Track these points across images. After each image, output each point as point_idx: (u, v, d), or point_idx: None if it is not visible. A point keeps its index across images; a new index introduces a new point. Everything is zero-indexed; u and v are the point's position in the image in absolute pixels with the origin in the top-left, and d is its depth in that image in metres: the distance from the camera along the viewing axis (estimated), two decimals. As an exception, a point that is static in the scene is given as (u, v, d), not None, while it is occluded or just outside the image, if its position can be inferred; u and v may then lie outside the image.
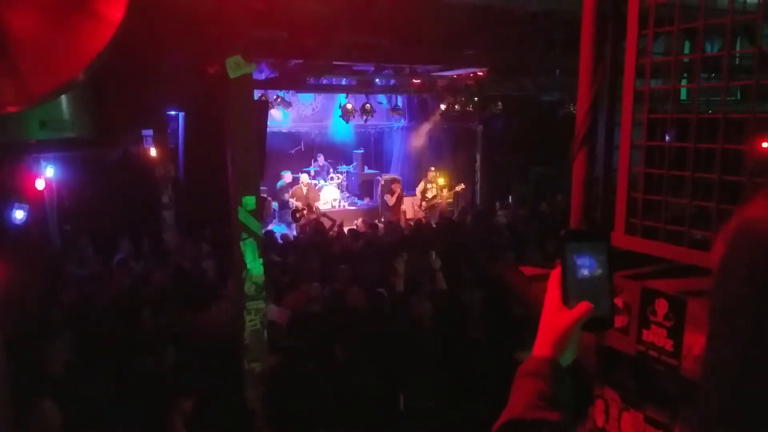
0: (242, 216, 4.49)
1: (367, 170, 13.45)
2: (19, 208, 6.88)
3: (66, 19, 1.81)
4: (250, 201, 4.50)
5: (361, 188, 13.28)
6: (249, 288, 4.56)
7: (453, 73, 10.09)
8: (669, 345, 1.21)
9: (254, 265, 4.57)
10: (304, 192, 10.76)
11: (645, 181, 1.41)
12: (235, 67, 4.18)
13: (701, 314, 1.17)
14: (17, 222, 6.89)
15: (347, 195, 12.81)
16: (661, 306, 1.22)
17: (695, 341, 1.16)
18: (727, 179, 1.21)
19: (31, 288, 5.71)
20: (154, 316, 5.35)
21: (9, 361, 3.33)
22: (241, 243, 4.51)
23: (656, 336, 1.23)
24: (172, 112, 9.58)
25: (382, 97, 12.08)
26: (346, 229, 9.35)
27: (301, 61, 7.32)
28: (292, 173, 11.89)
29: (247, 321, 4.56)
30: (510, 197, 12.41)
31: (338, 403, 4.23)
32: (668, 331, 1.21)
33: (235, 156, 4.47)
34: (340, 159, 13.32)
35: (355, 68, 9.01)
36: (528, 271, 2.03)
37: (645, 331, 1.26)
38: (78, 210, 8.56)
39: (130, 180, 8.69)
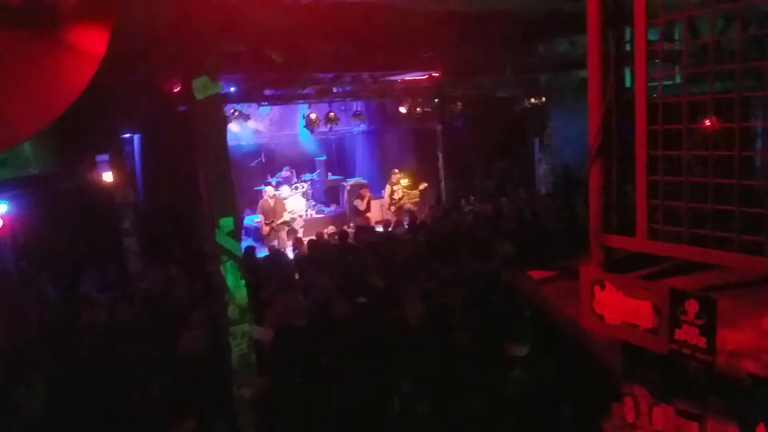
0: (220, 238, 4.37)
1: (331, 176, 13.37)
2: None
3: (48, 60, 1.72)
4: (227, 222, 4.39)
5: (327, 195, 13.20)
6: (233, 311, 4.43)
7: (407, 76, 10.16)
8: (702, 342, 1.26)
9: (237, 288, 4.45)
10: (272, 204, 10.60)
11: (654, 186, 1.46)
12: (202, 88, 4.07)
13: (731, 311, 1.23)
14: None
15: (313, 203, 12.72)
16: (692, 306, 1.27)
17: (728, 337, 1.21)
18: (745, 184, 1.27)
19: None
20: (130, 348, 5.15)
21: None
22: (221, 266, 4.39)
23: (689, 334, 1.28)
24: (127, 135, 9.26)
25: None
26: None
27: (264, 73, 7.22)
28: (255, 186, 11.68)
29: (234, 346, 4.44)
30: (473, 193, 12.61)
31: (330, 413, 4.19)
32: (700, 329, 1.26)
33: (208, 179, 4.35)
34: (302, 167, 13.19)
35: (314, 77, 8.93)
36: (536, 275, 2.06)
37: (677, 331, 1.31)
38: (35, 244, 8.15)
39: (87, 209, 8.33)
